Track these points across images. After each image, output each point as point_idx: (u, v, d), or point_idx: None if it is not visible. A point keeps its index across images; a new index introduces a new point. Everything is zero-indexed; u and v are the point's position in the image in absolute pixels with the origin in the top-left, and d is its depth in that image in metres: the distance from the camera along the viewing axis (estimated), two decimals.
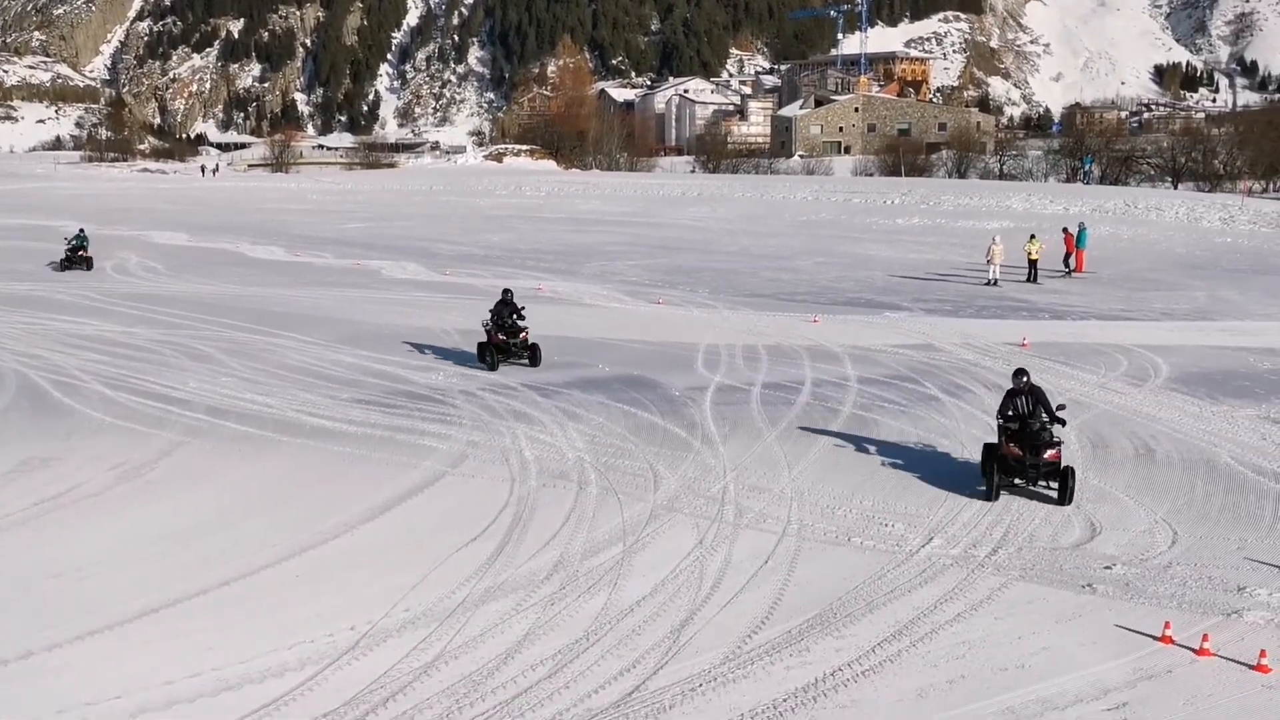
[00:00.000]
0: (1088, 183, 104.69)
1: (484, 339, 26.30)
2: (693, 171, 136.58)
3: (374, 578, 13.99)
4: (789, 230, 62.47)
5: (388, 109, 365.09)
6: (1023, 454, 17.11)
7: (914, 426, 20.99)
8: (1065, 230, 45.15)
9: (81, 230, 44.98)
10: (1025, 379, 17.64)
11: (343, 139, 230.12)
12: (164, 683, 11.32)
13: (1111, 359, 27.08)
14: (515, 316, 26.24)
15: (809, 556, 14.86)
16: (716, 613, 13.18)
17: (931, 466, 18.74)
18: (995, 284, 40.35)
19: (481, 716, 10.84)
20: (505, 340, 25.95)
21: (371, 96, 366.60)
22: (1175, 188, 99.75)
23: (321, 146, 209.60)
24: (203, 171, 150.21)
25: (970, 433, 20.48)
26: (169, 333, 29.72)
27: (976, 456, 18.97)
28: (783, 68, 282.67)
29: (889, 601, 13.50)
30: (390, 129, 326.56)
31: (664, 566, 14.47)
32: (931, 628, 12.82)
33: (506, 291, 27.14)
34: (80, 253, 43.18)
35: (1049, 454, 17.11)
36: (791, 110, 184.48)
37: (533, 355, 26.19)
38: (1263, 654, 11.96)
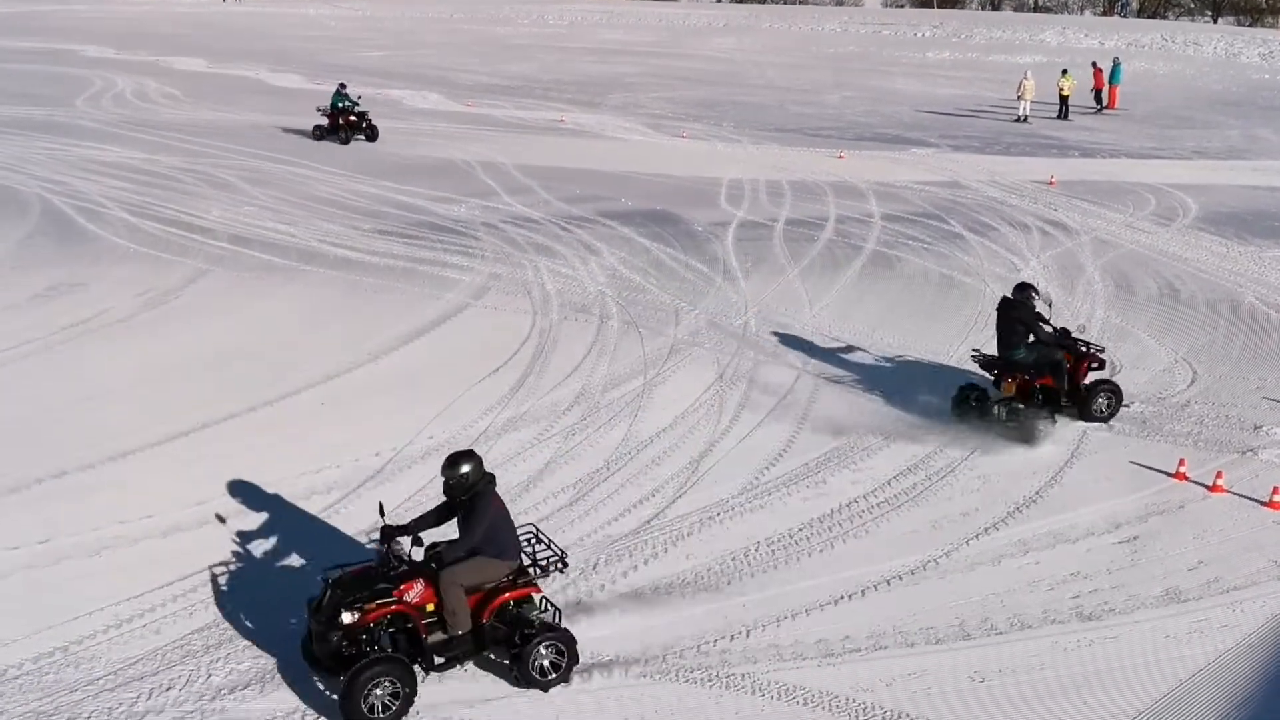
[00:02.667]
0: (1125, 15, 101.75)
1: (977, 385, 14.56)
2: (719, 1, 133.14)
3: (398, 406, 14.19)
4: (816, 63, 61.20)
5: None
6: None
7: (937, 264, 20.89)
8: (1095, 65, 44.08)
9: (342, 86, 34.52)
10: None
11: None
12: (195, 503, 11.61)
13: (1140, 198, 26.73)
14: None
15: (828, 392, 14.98)
16: (735, 445, 13.36)
17: (954, 304, 18.71)
18: (1025, 120, 39.62)
19: None
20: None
21: None
22: (1215, 21, 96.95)
23: None
24: None
25: (994, 270, 20.38)
26: (191, 160, 29.58)
27: (1001, 293, 18.96)
28: None
29: (906, 437, 13.63)
30: None
31: (684, 399, 14.62)
32: (948, 463, 12.98)
33: (1024, 291, 13.95)
34: (352, 117, 33.27)
35: None
36: None
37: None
38: (1275, 490, 12.10)
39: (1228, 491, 12.30)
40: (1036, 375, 13.96)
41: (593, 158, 31.29)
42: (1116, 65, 43.81)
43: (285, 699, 8.72)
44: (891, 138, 35.93)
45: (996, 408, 13.86)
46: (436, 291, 18.82)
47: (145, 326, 17.18)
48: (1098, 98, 43.14)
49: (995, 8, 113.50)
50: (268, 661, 9.14)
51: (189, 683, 8.88)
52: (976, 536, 11.37)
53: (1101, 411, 13.98)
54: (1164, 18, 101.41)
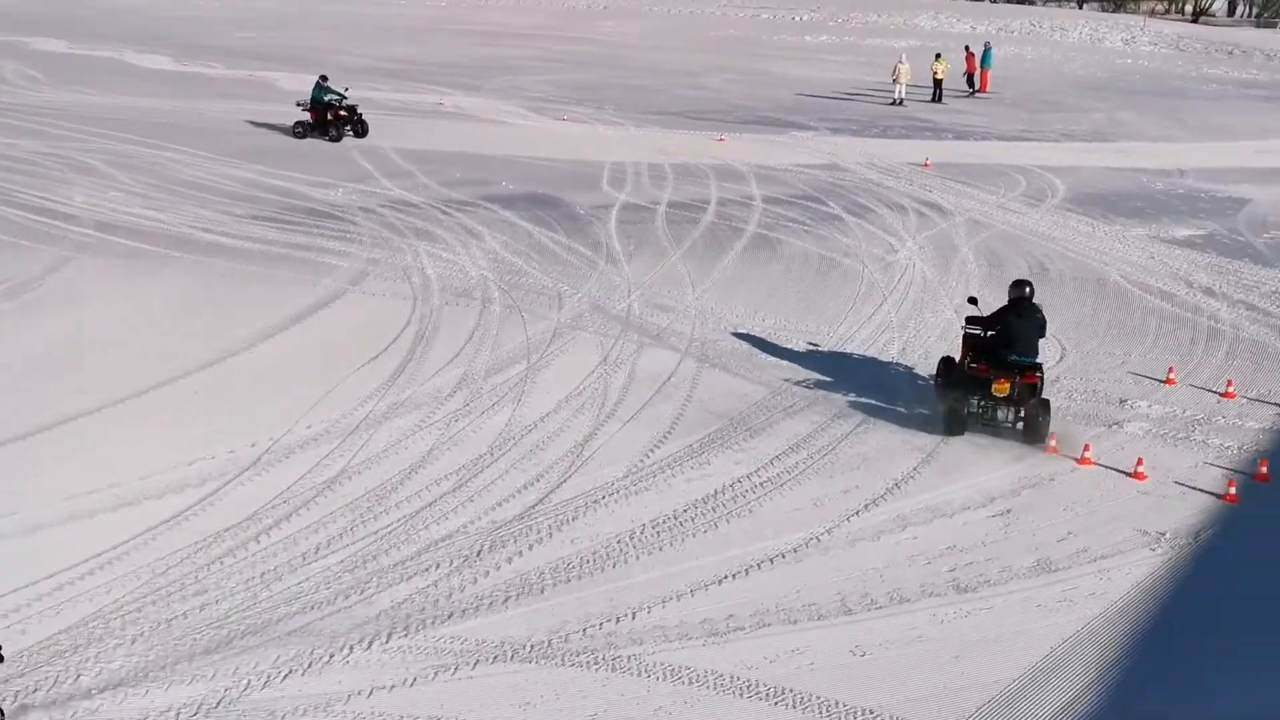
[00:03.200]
0: (995, 1, 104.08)
1: None
2: None
3: (275, 394, 13.91)
4: (697, 46, 61.41)
5: None
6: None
7: (817, 245, 21.14)
8: (968, 49, 45.03)
9: (323, 79, 30.94)
10: None
11: None
12: (63, 499, 11.21)
13: (1011, 179, 27.38)
14: None
15: (711, 373, 15.07)
16: (620, 428, 13.37)
17: (834, 285, 18.96)
18: (901, 103, 40.30)
19: (386, 530, 10.96)
20: None
21: None
22: (1080, 7, 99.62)
23: None
24: None
25: (872, 252, 20.69)
26: (53, 145, 28.54)
27: (880, 276, 19.27)
28: None
29: (788, 417, 13.79)
30: None
31: (568, 383, 14.57)
32: (829, 442, 13.15)
33: (1031, 289, 13.86)
34: (342, 112, 30.22)
35: None
36: None
37: None
38: (1139, 462, 12.53)
39: (1095, 464, 12.69)
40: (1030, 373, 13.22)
41: (474, 141, 31.00)
42: (987, 50, 44.77)
43: (159, 699, 8.50)
44: (771, 120, 36.25)
45: (1004, 412, 13.13)
46: (313, 277, 18.48)
47: (6, 316, 16.54)
48: (970, 81, 44.05)
49: None
50: (141, 660, 8.89)
51: (57, 684, 8.59)
52: (857, 513, 11.55)
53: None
54: (1032, 3, 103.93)
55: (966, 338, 13.81)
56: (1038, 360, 13.41)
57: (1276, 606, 10.20)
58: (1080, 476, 12.45)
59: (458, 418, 13.49)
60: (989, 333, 13.52)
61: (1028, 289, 13.60)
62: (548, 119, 35.51)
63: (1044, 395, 13.45)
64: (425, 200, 23.89)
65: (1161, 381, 15.10)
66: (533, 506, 11.53)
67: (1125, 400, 14.50)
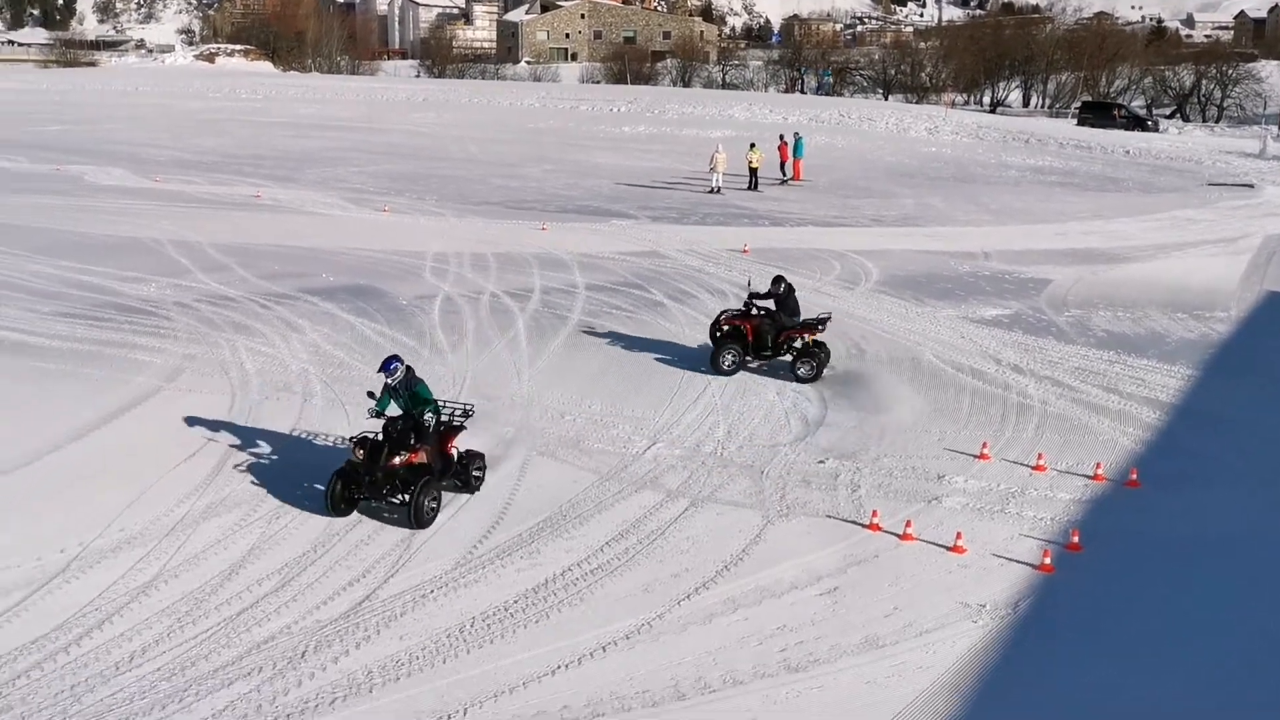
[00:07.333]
0: (805, 93, 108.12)
1: None
2: (417, 76, 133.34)
3: (85, 498, 13.29)
4: (516, 137, 62.00)
5: (86, 3, 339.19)
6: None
7: (640, 332, 21.38)
8: (781, 139, 46.53)
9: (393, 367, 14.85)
10: None
11: (36, 34, 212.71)
12: None
13: (826, 264, 28.23)
14: None
15: (539, 461, 15.02)
16: (447, 519, 13.19)
17: (657, 370, 19.16)
18: (718, 192, 41.27)
19: (205, 634, 10.54)
20: None
21: None
22: (886, 99, 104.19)
23: (11, 43, 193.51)
24: None
25: (695, 337, 21.03)
26: None
27: (700, 362, 19.58)
28: None
29: (617, 502, 13.82)
30: (89, 25, 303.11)
31: None
32: (658, 526, 13.21)
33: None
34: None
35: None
36: (517, 15, 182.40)
37: None
38: (959, 535, 12.92)
39: (917, 539, 13.03)
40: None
41: (291, 233, 30.52)
42: (799, 140, 46.33)
43: None
44: (593, 210, 36.69)
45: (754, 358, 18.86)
46: (125, 375, 17.81)
47: None
48: (783, 170, 45.45)
49: (686, 84, 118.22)
50: None
51: None
52: (688, 597, 11.60)
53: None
54: (840, 95, 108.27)
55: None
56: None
57: (1094, 672, 10.58)
58: (903, 552, 12.77)
59: (279, 515, 13.11)
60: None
61: (783, 285, 19.46)
62: (367, 210, 35.24)
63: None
64: (243, 294, 23.36)
65: (976, 457, 15.64)
66: (359, 604, 11.25)
67: (943, 476, 14.97)
